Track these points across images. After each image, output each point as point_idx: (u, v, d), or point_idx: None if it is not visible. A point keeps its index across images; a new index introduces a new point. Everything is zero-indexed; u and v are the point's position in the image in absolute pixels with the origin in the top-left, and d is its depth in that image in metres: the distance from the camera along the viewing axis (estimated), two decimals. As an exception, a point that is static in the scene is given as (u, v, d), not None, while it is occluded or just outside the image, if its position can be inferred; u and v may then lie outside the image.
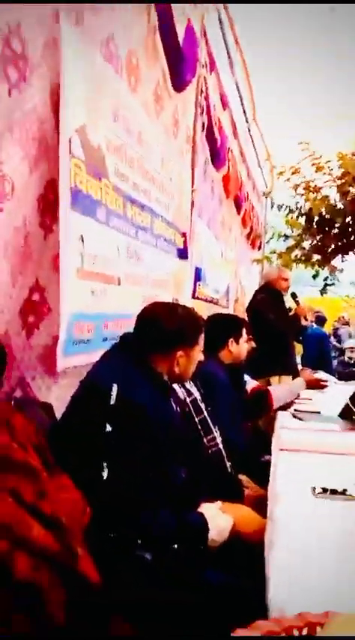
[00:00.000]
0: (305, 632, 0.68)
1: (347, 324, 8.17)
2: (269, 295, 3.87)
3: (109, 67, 1.96)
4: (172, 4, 2.52)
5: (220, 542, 1.33)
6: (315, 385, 2.97)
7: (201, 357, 1.65)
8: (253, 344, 2.62)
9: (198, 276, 3.65)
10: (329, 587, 0.96)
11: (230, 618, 0.70)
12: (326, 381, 3.15)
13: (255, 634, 0.63)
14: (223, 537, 1.34)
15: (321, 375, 4.35)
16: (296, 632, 0.68)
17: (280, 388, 2.95)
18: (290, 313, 4.03)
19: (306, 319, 4.17)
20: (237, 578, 1.28)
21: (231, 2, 3.46)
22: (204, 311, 3.56)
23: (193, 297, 3.50)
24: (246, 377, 2.72)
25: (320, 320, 8.28)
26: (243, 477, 1.93)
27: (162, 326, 1.48)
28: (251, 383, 2.73)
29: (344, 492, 1.39)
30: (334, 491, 1.40)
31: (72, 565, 0.91)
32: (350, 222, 4.52)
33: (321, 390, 2.99)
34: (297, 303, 3.97)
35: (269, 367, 3.58)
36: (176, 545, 1.24)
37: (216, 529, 1.33)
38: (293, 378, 3.62)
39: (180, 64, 2.72)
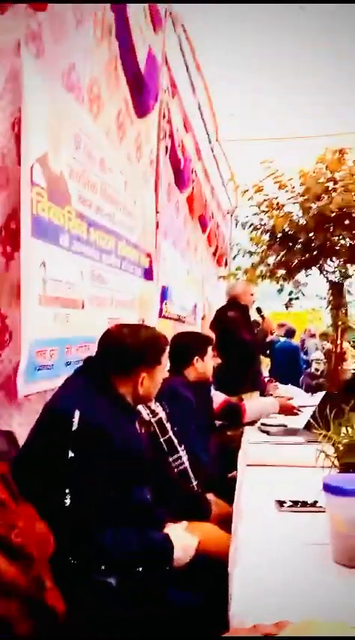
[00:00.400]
0: None
1: (313, 336, 8.34)
2: (239, 312, 3.84)
3: (71, 96, 2.00)
4: (132, 31, 2.58)
5: (185, 561, 1.35)
6: (288, 411, 2.91)
7: (166, 375, 1.68)
8: (218, 360, 2.66)
9: (164, 295, 3.70)
10: (293, 601, 0.97)
11: (192, 635, 0.73)
12: (298, 409, 3.08)
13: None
14: (188, 556, 1.36)
15: (289, 389, 4.43)
16: None
17: (253, 404, 2.96)
18: (258, 328, 4.07)
19: (272, 333, 4.24)
20: (199, 597, 1.30)
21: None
22: (172, 329, 3.61)
23: (160, 316, 3.54)
24: (214, 391, 2.75)
25: (290, 332, 8.42)
26: (210, 496, 1.96)
27: (124, 347, 1.50)
28: (219, 396, 2.76)
29: (314, 504, 1.41)
30: (304, 504, 1.42)
31: (39, 597, 0.91)
32: (313, 238, 4.65)
33: (293, 416, 2.92)
34: (263, 317, 3.98)
35: (240, 385, 3.60)
36: (141, 568, 1.26)
37: (181, 549, 1.35)
38: (261, 394, 3.68)
39: (142, 90, 2.79)
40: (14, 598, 0.86)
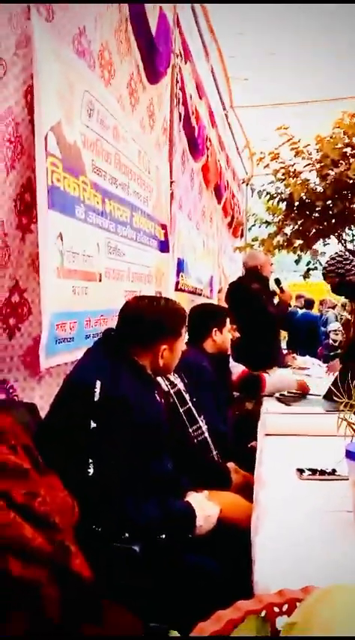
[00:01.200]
0: (285, 608, 0.70)
1: (333, 307, 8.25)
2: (261, 285, 3.74)
3: (82, 62, 1.94)
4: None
5: (207, 529, 1.37)
6: (303, 391, 2.81)
7: (184, 348, 1.67)
8: (237, 334, 2.65)
9: (180, 267, 3.66)
10: (315, 567, 0.98)
11: (213, 601, 0.73)
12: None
13: (236, 614, 0.65)
14: (210, 524, 1.38)
15: (307, 360, 4.41)
16: (276, 609, 0.70)
17: (274, 377, 2.93)
18: (276, 301, 4.01)
19: (290, 305, 4.18)
20: (221, 563, 1.32)
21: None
22: (188, 302, 3.59)
23: (176, 289, 3.52)
24: (232, 362, 2.74)
25: (309, 303, 8.34)
26: (231, 465, 1.97)
27: (144, 320, 1.50)
28: (238, 367, 2.75)
29: (333, 472, 1.42)
30: (322, 472, 1.44)
31: (65, 563, 0.93)
32: (331, 205, 4.56)
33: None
34: (281, 289, 3.91)
35: (265, 360, 3.56)
36: (163, 535, 1.27)
37: (202, 517, 1.36)
38: (279, 366, 3.67)
39: (154, 55, 2.70)
40: (41, 564, 0.88)
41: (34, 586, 0.84)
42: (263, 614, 0.65)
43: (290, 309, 4.42)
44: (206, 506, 1.40)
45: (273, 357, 3.65)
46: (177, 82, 3.30)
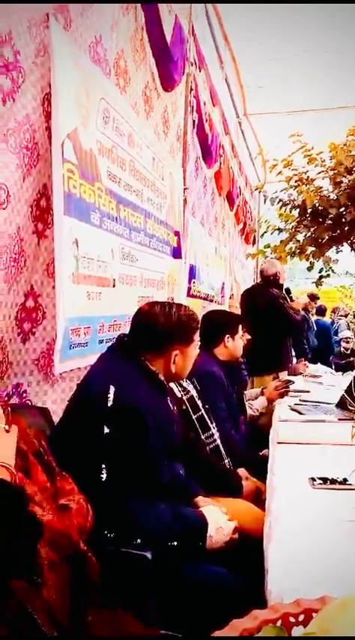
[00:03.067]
0: (301, 618, 0.69)
1: (346, 315, 8.18)
2: (280, 290, 3.94)
3: (98, 69, 1.97)
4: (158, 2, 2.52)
5: (218, 541, 1.34)
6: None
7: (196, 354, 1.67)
8: (248, 336, 2.64)
9: (192, 273, 3.67)
10: (328, 576, 0.97)
11: (227, 611, 0.73)
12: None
13: (251, 624, 0.64)
14: (221, 536, 1.34)
15: (319, 368, 4.39)
16: (292, 619, 0.69)
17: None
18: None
19: (299, 313, 4.21)
20: (234, 572, 1.31)
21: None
22: (200, 308, 3.59)
23: (188, 295, 3.52)
24: None
25: (321, 311, 8.29)
26: (241, 471, 1.96)
27: (157, 325, 1.50)
28: None
29: (344, 482, 1.41)
30: (333, 482, 1.42)
31: (81, 551, 0.93)
32: (344, 213, 4.54)
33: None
34: (291, 299, 4.02)
35: (273, 365, 3.63)
36: (175, 543, 1.27)
37: (214, 528, 1.34)
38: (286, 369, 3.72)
39: (169, 63, 2.73)
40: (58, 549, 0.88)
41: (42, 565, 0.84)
42: (278, 623, 0.64)
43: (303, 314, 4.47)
44: (219, 519, 1.38)
45: (281, 363, 3.74)
46: (192, 89, 3.32)
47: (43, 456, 1.04)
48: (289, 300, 4.00)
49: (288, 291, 4.06)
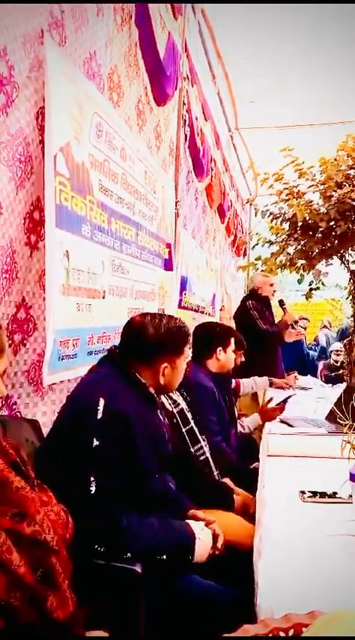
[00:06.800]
0: (291, 633, 0.69)
1: (325, 327, 8.23)
2: (256, 301, 4.08)
3: (92, 84, 1.99)
4: (152, 18, 2.56)
5: (201, 553, 1.33)
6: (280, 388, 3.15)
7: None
8: (243, 358, 2.68)
9: (183, 285, 3.69)
10: (318, 590, 0.97)
11: (216, 624, 0.73)
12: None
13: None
14: (201, 549, 1.33)
15: (309, 380, 4.40)
16: (282, 634, 0.69)
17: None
18: (278, 321, 4.14)
19: (293, 326, 4.24)
20: (226, 587, 1.30)
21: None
22: (190, 320, 3.60)
23: (179, 306, 3.53)
24: None
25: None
26: (227, 480, 1.95)
27: (146, 337, 1.50)
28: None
29: (334, 495, 1.42)
30: (323, 495, 1.43)
31: (43, 598, 0.91)
32: (334, 226, 4.59)
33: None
34: (284, 310, 4.08)
35: (255, 373, 3.65)
36: (165, 556, 1.26)
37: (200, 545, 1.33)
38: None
39: (162, 78, 2.76)
40: (22, 591, 0.86)
41: (10, 612, 0.83)
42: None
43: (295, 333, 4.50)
44: (201, 532, 1.36)
45: (261, 372, 3.71)
46: (184, 104, 3.36)
47: (20, 467, 1.03)
48: (283, 311, 4.09)
49: (282, 302, 4.12)
